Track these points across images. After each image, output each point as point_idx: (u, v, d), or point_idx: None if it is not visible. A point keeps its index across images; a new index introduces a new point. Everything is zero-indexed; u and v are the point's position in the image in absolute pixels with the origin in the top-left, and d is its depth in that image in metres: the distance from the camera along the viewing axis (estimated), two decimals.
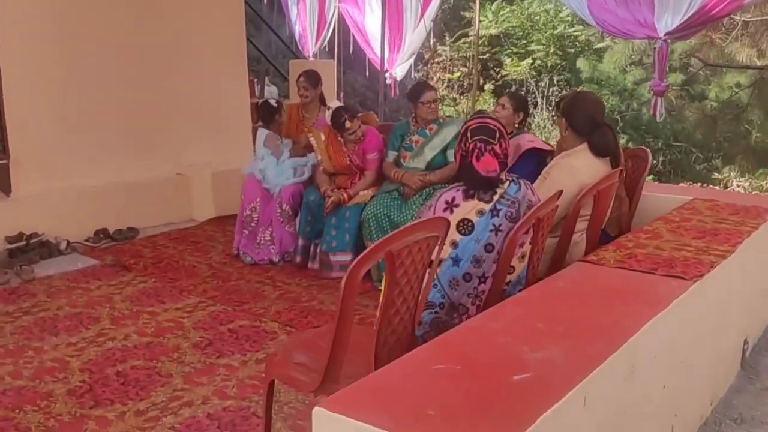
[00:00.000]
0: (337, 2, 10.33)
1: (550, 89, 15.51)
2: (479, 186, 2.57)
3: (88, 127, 5.37)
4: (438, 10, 10.73)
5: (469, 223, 2.55)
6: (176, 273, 4.62)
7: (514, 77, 15.51)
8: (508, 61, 15.59)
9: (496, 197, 2.58)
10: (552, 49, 16.38)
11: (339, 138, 4.66)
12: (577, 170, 3.16)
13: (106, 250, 5.12)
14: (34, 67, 5.06)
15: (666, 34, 6.33)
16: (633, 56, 18.17)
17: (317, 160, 4.74)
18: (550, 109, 14.61)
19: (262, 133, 4.97)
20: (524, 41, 16.49)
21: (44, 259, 4.85)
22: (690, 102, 18.40)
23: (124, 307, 4.00)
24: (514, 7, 16.31)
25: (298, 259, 4.75)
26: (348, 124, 4.46)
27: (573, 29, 16.39)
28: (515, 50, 16.08)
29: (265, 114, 4.98)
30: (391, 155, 4.60)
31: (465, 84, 15.76)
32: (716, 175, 14.25)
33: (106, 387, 3.03)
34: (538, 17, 16.70)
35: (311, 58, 10.30)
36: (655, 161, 15.61)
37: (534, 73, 15.86)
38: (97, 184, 5.44)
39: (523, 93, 4.07)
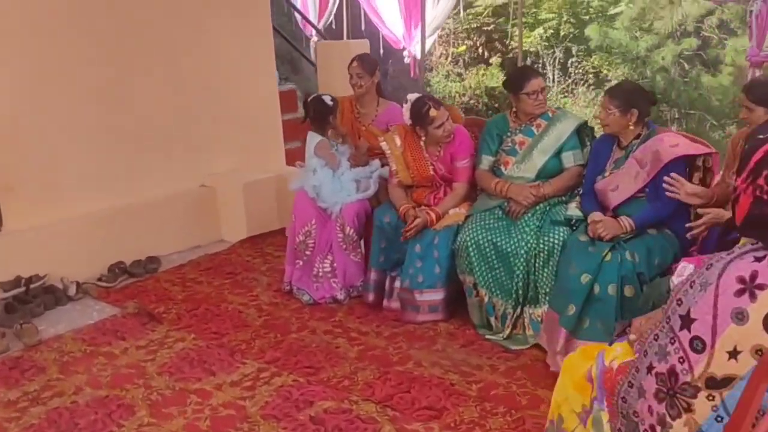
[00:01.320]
0: None
1: (569, 60, 14.64)
2: None
3: (93, 139, 4.35)
4: None
5: None
6: (220, 324, 3.63)
7: (525, 48, 14.62)
8: (516, 31, 14.71)
9: None
10: (565, 17, 15.50)
11: (419, 141, 3.67)
12: None
13: (125, 290, 4.13)
14: (29, 70, 4.03)
15: None
16: (642, 23, 17.28)
17: (392, 170, 3.73)
18: (565, 81, 13.78)
19: (313, 139, 3.95)
20: (534, 10, 15.58)
21: (50, 309, 3.87)
22: (705, 68, 17.54)
23: (162, 384, 3.02)
24: None
25: (370, 297, 3.77)
26: (433, 112, 3.47)
27: None
28: (525, 20, 15.19)
29: (316, 114, 3.95)
30: (486, 161, 3.61)
31: (468, 58, 14.88)
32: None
33: None
34: None
35: (314, 39, 9.27)
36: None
37: (546, 44, 14.99)
38: (107, 207, 4.43)
39: (625, 85, 3.30)
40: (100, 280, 4.19)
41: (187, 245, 4.82)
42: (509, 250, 3.29)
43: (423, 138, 3.61)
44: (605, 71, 15.16)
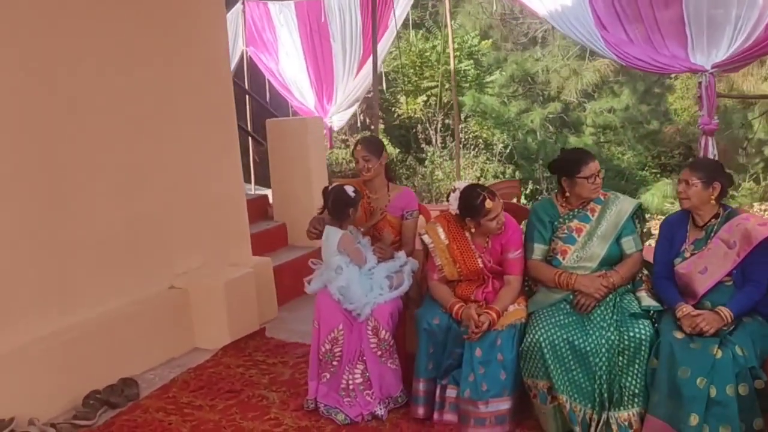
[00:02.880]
0: (244, 46, 8.93)
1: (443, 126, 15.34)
2: None
3: (48, 248, 3.62)
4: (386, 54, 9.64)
5: None
6: None
7: (410, 115, 15.06)
8: (402, 99, 15.11)
9: None
10: (447, 86, 16.18)
11: (465, 232, 3.32)
12: None
13: (110, 427, 3.39)
14: None
15: (714, 66, 5.57)
16: (512, 87, 18.42)
17: (435, 265, 3.34)
18: (441, 145, 14.33)
19: (333, 233, 3.49)
20: (416, 78, 16.17)
21: None
22: (568, 129, 18.90)
23: None
24: (402, 45, 16.02)
25: (420, 410, 3.30)
26: (489, 204, 3.15)
27: (463, 64, 16.36)
28: (407, 87, 15.73)
29: (336, 206, 3.50)
30: (539, 251, 3.32)
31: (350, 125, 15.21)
32: None
33: None
34: (428, 53, 16.47)
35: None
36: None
37: (429, 111, 15.58)
38: (66, 326, 3.67)
39: (705, 159, 3.33)
40: (76, 417, 3.41)
41: (160, 359, 4.12)
42: (588, 348, 2.99)
43: (472, 230, 3.27)
44: (485, 135, 15.85)
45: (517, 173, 16.77)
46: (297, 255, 5.57)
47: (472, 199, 3.17)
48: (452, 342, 3.24)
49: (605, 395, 2.99)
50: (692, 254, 3.04)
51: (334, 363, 3.43)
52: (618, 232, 3.23)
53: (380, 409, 3.37)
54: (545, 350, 3.02)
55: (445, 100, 15.80)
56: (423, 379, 3.30)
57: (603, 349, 2.98)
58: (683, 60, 5.80)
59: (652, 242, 4.69)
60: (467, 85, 17.68)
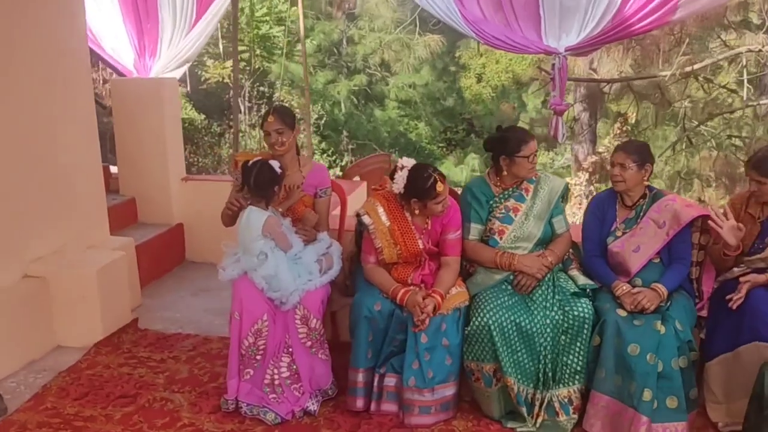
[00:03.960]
0: None
1: (253, 93, 14.99)
2: None
3: None
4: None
5: None
6: None
7: (217, 80, 14.51)
8: (210, 62, 14.45)
9: None
10: (258, 51, 15.81)
11: (404, 212, 3.14)
12: None
13: None
14: None
15: (567, 49, 5.89)
16: (319, 57, 18.56)
17: (376, 248, 3.11)
18: (254, 116, 14.07)
19: (258, 215, 3.10)
20: (225, 42, 15.52)
21: None
22: (372, 102, 19.59)
23: None
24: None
25: (359, 402, 3.08)
26: (440, 186, 2.99)
27: (274, 30, 16.08)
28: (216, 50, 15.10)
29: (260, 184, 3.11)
30: (476, 231, 3.25)
31: None
32: None
33: None
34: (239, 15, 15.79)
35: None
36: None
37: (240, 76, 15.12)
38: None
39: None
40: None
41: (18, 363, 3.44)
42: (534, 329, 2.99)
43: (416, 211, 3.09)
44: (294, 103, 15.69)
45: (323, 144, 16.85)
46: (152, 234, 4.99)
47: (422, 181, 2.99)
48: (394, 329, 3.06)
49: (549, 374, 3.01)
50: (624, 233, 3.15)
51: (258, 357, 3.08)
52: (551, 212, 3.26)
53: (312, 403, 3.11)
54: (494, 332, 2.96)
55: (257, 66, 15.36)
56: (362, 369, 3.08)
57: (548, 329, 3.00)
58: (537, 42, 6.05)
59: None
60: (278, 52, 17.30)
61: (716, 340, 3.01)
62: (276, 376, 3.11)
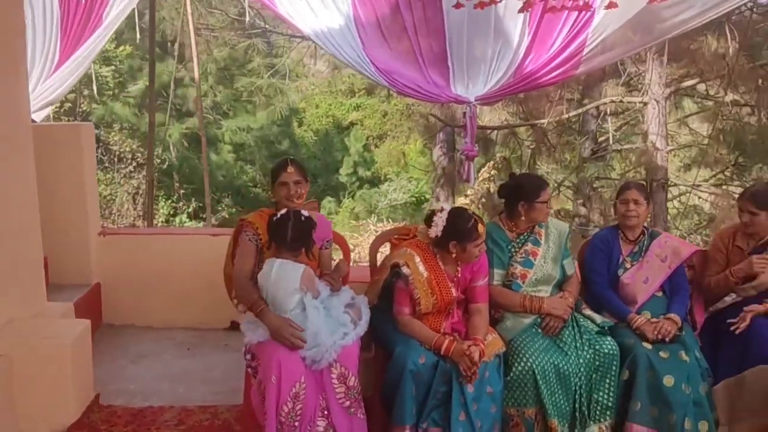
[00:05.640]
0: None
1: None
2: None
3: None
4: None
5: None
6: None
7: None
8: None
9: None
10: (86, 92, 15.00)
11: (437, 261, 3.10)
12: None
13: None
14: None
15: (477, 98, 6.18)
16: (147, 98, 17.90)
17: (415, 299, 3.02)
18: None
19: (295, 268, 2.90)
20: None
21: None
22: (205, 145, 19.06)
23: None
24: None
25: None
26: (480, 228, 3.01)
27: (102, 70, 15.42)
28: None
29: (300, 234, 2.93)
30: (499, 276, 3.30)
31: None
32: None
33: None
34: None
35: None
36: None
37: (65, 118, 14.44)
38: None
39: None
40: None
41: None
42: (570, 369, 3.08)
43: (454, 254, 3.06)
44: (126, 148, 14.98)
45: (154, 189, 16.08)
46: (74, 296, 4.42)
47: (463, 222, 2.99)
48: (438, 381, 2.98)
49: (585, 412, 3.09)
50: (632, 265, 3.38)
51: (296, 424, 2.85)
52: (562, 254, 3.39)
53: None
54: (538, 376, 3.01)
55: (84, 108, 14.51)
56: (409, 426, 2.95)
57: (582, 369, 3.10)
58: (447, 90, 6.29)
59: None
60: (110, 93, 16.41)
61: (719, 365, 3.27)
62: None
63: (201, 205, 15.88)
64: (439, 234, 3.02)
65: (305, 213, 2.99)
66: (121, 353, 4.39)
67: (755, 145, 9.32)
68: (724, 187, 9.21)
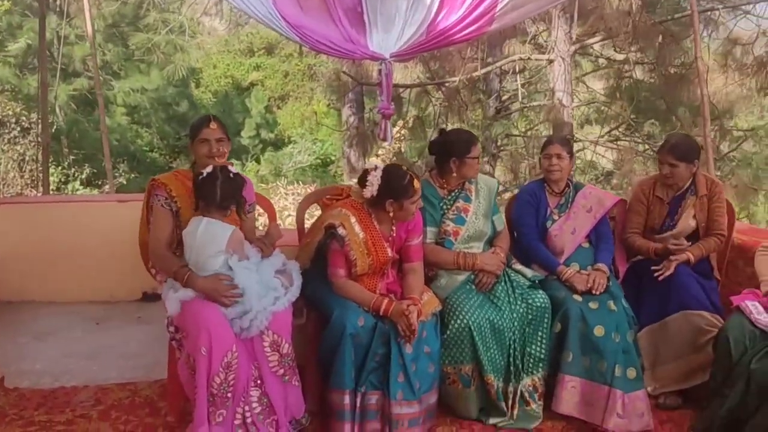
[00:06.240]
0: None
1: None
2: None
3: None
4: None
5: None
6: None
7: None
8: None
9: None
10: None
11: (372, 220, 2.99)
12: None
13: None
14: None
15: (392, 55, 6.03)
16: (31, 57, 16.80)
17: (353, 260, 2.90)
18: None
19: (223, 229, 2.73)
20: None
21: None
22: (93, 108, 18.23)
23: None
24: None
25: (347, 427, 2.85)
26: (416, 183, 2.92)
27: None
28: None
29: (229, 190, 2.75)
30: (431, 234, 3.24)
31: None
32: None
33: None
34: None
35: None
36: None
37: None
38: None
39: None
40: None
41: None
42: (504, 324, 3.08)
43: (391, 213, 2.96)
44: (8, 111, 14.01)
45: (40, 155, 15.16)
46: None
47: (399, 179, 2.89)
48: (377, 343, 2.90)
49: (519, 366, 3.11)
50: (560, 217, 3.41)
51: (228, 395, 2.70)
52: (492, 210, 3.37)
53: None
54: (474, 333, 2.99)
55: None
56: (349, 391, 2.86)
57: (515, 323, 3.11)
58: (363, 47, 6.12)
59: None
60: None
61: (642, 313, 3.37)
62: (248, 414, 2.75)
63: (95, 171, 15.02)
64: (375, 193, 2.91)
65: (233, 169, 2.81)
66: (22, 331, 4.07)
67: (648, 102, 9.76)
68: (618, 142, 9.58)
